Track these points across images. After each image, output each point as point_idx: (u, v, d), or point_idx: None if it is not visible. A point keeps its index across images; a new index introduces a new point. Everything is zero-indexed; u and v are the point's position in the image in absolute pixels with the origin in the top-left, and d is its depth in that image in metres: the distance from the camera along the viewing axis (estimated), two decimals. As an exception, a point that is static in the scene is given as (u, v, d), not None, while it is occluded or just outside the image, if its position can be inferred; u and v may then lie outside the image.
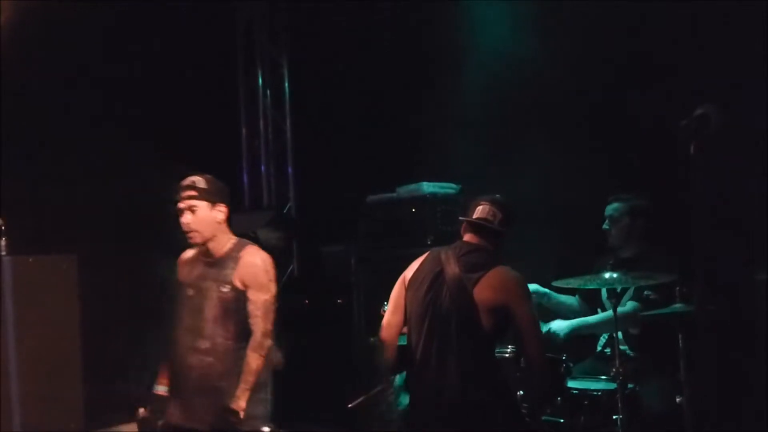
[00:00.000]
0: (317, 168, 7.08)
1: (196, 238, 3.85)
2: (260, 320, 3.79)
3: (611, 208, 4.75)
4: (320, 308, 6.70)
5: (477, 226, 3.84)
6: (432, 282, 3.75)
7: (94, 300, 5.16)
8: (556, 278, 4.31)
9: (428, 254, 3.90)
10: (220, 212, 3.87)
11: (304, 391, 6.09)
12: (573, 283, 4.25)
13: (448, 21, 6.18)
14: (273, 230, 6.16)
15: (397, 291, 3.93)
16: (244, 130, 7.50)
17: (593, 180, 5.21)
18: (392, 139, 6.46)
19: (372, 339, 5.68)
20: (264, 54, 7.50)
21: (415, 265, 3.92)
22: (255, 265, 3.83)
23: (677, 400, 3.98)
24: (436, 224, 5.70)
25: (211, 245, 3.89)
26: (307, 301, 6.79)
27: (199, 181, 3.86)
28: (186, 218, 3.84)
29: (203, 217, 3.84)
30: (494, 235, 3.82)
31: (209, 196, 3.84)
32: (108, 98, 6.05)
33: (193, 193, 3.84)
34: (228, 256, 3.87)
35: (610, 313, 4.32)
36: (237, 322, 3.82)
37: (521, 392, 4.06)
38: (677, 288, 4.00)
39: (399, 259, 4.06)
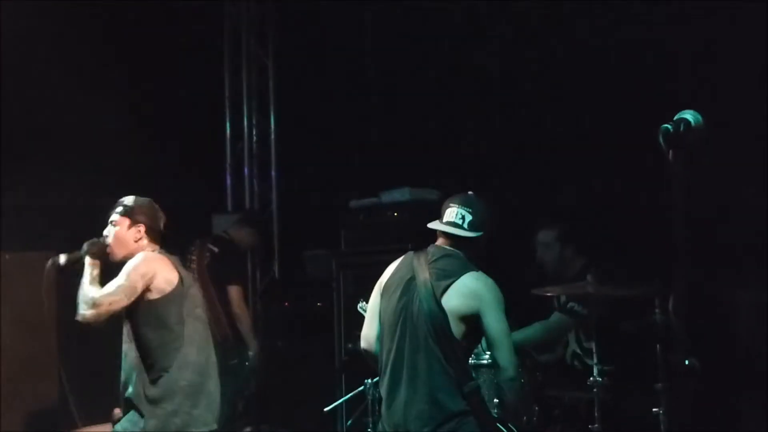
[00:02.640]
0: (301, 171, 7.06)
1: (112, 256, 3.97)
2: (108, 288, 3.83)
3: (542, 235, 4.81)
4: (301, 311, 6.69)
5: (446, 231, 3.71)
6: (404, 289, 3.68)
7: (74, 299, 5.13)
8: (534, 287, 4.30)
9: (402, 259, 3.83)
10: (138, 233, 3.96)
11: (282, 394, 6.08)
12: (552, 290, 4.26)
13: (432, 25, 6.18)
14: (241, 227, 6.13)
15: (374, 299, 3.88)
16: (228, 132, 7.46)
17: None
18: (376, 144, 6.46)
19: (350, 345, 5.71)
20: (251, 57, 7.47)
21: (390, 270, 3.85)
22: (130, 261, 3.89)
23: (653, 410, 3.99)
24: (417, 229, 5.69)
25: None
26: (287, 304, 6.78)
27: (127, 199, 4.03)
28: (107, 231, 3.99)
29: (120, 232, 3.97)
30: (465, 239, 3.69)
31: (131, 214, 3.97)
32: (93, 97, 6.00)
33: (119, 208, 4.01)
34: None
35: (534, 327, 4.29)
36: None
37: (496, 399, 4.05)
38: (656, 298, 4.00)
39: (380, 264, 4.00)
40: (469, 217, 3.68)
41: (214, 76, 7.35)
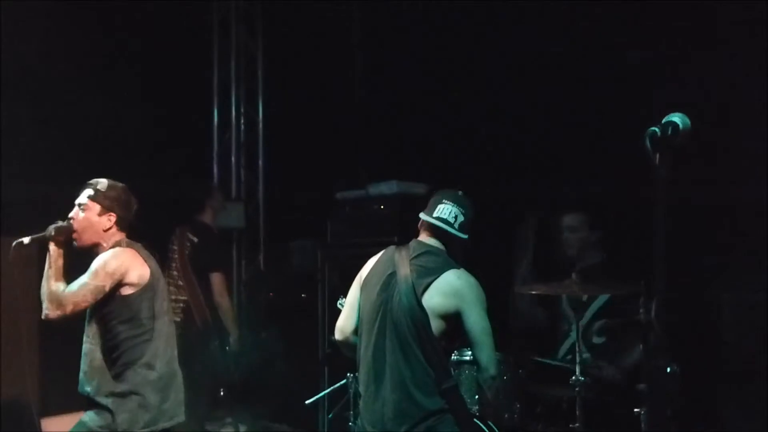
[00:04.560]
0: (288, 162, 7.03)
1: (77, 240, 3.81)
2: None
3: (569, 218, 4.74)
4: (285, 302, 6.66)
5: (434, 226, 3.68)
6: (384, 284, 3.64)
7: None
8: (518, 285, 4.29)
9: (383, 253, 3.78)
10: (108, 221, 3.82)
11: (264, 385, 6.06)
12: (536, 288, 4.24)
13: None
14: (207, 208, 6.11)
15: (353, 292, 3.85)
16: (216, 122, 7.42)
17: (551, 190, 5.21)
18: (365, 136, 6.43)
19: (333, 337, 5.69)
20: (239, 46, 7.44)
21: (370, 264, 3.81)
22: (99, 258, 3.76)
23: (635, 411, 3.98)
24: (404, 223, 5.67)
25: (95, 251, 3.83)
26: (271, 294, 6.76)
27: (101, 183, 3.86)
28: (74, 214, 3.83)
29: (89, 218, 3.81)
30: (451, 237, 3.66)
31: (102, 200, 3.82)
32: (78, 84, 5.95)
33: (90, 191, 3.84)
34: None
35: None
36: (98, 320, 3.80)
37: (477, 396, 4.03)
38: (641, 298, 3.99)
39: (365, 256, 3.95)
40: (461, 218, 3.67)
41: (202, 65, 7.30)
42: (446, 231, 3.65)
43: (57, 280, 3.72)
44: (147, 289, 3.80)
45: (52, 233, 3.78)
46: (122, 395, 3.71)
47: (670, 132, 2.24)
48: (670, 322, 2.20)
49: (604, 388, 4.29)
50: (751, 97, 4.28)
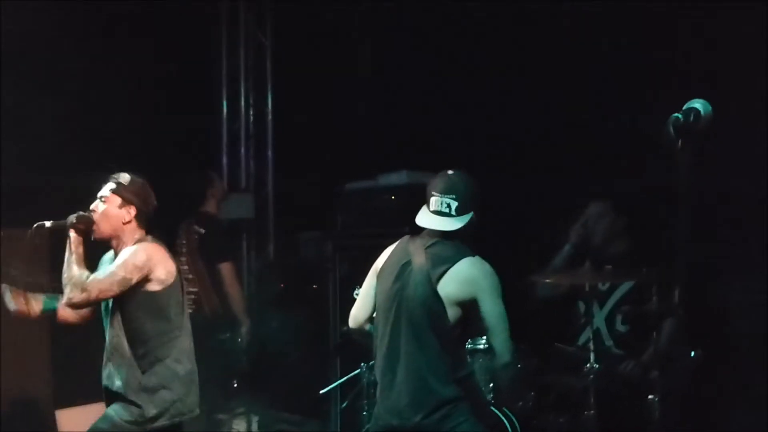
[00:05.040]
0: (297, 152, 7.02)
1: (96, 233, 3.84)
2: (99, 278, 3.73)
3: (595, 205, 4.73)
4: (296, 293, 6.68)
5: (436, 219, 3.66)
6: (399, 273, 3.66)
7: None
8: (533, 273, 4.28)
9: (398, 243, 3.80)
10: (128, 214, 3.85)
11: (276, 376, 6.08)
12: (552, 278, 4.24)
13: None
14: (208, 197, 6.11)
15: (368, 281, 3.86)
16: (225, 112, 7.40)
17: (571, 177, 5.19)
18: (375, 125, 6.42)
19: (344, 328, 5.71)
20: (248, 36, 7.42)
21: (385, 254, 3.83)
22: (127, 251, 3.79)
23: (649, 397, 3.98)
24: (414, 213, 5.66)
25: (115, 244, 3.89)
26: (282, 285, 6.77)
27: (123, 177, 3.90)
28: (95, 206, 3.87)
29: (109, 210, 3.85)
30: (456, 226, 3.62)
31: (124, 193, 3.86)
32: (87, 76, 5.94)
33: (111, 185, 3.89)
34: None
35: None
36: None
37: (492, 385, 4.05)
38: (655, 286, 3.97)
39: (376, 247, 3.97)
40: (454, 204, 3.64)
41: (211, 56, 7.29)
42: (445, 223, 3.63)
43: (80, 266, 3.74)
44: (174, 286, 3.84)
45: (74, 221, 3.81)
46: (152, 390, 3.76)
47: (692, 118, 2.25)
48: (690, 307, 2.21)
49: (618, 377, 4.29)
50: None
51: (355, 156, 6.46)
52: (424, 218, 3.70)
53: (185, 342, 3.88)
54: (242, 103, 7.44)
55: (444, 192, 3.65)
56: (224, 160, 7.40)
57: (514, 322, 3.61)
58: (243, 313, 5.91)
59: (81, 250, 3.78)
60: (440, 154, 5.82)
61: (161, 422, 3.77)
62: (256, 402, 6.03)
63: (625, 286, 4.56)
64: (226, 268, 5.83)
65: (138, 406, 3.75)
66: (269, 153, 7.45)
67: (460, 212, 3.64)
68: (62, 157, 5.63)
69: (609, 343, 4.51)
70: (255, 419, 5.99)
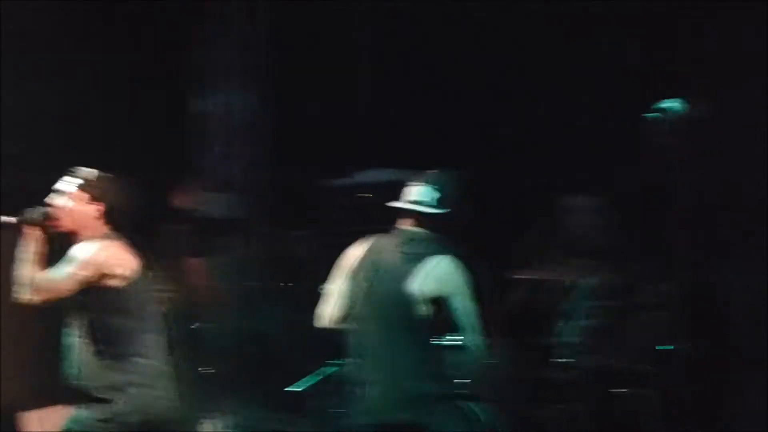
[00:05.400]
0: (275, 150, 7.01)
1: (56, 226, 3.76)
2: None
3: (578, 200, 4.78)
4: (273, 291, 6.67)
5: (412, 211, 3.70)
6: (373, 272, 3.69)
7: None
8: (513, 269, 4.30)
9: (368, 241, 3.82)
10: (96, 211, 3.78)
11: (252, 374, 6.07)
12: (532, 273, 4.27)
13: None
14: (189, 195, 6.10)
15: (338, 278, 3.89)
16: (206, 109, 7.34)
17: (554, 172, 5.21)
18: (354, 122, 6.44)
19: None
20: (238, 29, 7.37)
21: (353, 251, 3.85)
22: (82, 248, 3.72)
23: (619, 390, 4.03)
24: (393, 210, 5.67)
25: (75, 238, 3.79)
26: (259, 282, 6.76)
27: (90, 172, 3.83)
28: (57, 200, 3.78)
29: (76, 207, 3.77)
30: (432, 218, 3.68)
31: (91, 190, 3.79)
32: (60, 70, 5.91)
33: (78, 180, 3.81)
34: None
35: None
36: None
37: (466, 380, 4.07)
38: (635, 281, 4.02)
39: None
40: (437, 194, 3.68)
41: (184, 51, 7.25)
42: (422, 212, 3.67)
43: (35, 265, 3.67)
44: (137, 282, 3.78)
45: (33, 217, 3.74)
46: (120, 387, 3.70)
47: (669, 116, 2.32)
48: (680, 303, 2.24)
49: (592, 370, 4.33)
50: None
51: (333, 153, 6.47)
52: (401, 204, 3.74)
53: (152, 337, 3.81)
54: (224, 101, 7.39)
55: (425, 183, 3.72)
56: (204, 158, 7.34)
57: (488, 317, 3.64)
58: (214, 309, 5.90)
59: (37, 248, 3.72)
60: (422, 151, 5.85)
61: (134, 418, 3.71)
62: (231, 400, 6.02)
63: (592, 281, 4.58)
64: (198, 265, 5.86)
65: (108, 403, 3.69)
66: (246, 150, 7.42)
67: (439, 204, 3.67)
68: (35, 155, 5.59)
69: (576, 337, 4.53)
70: (229, 417, 5.97)
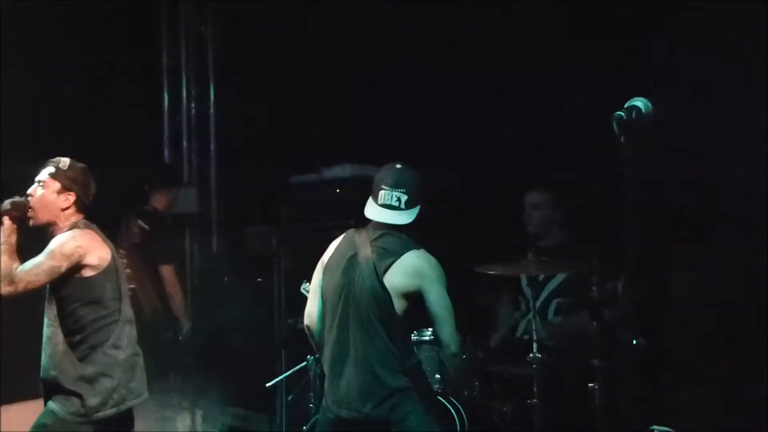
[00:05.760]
0: (240, 145, 6.98)
1: (32, 219, 3.77)
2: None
3: (533, 196, 4.83)
4: (240, 287, 6.66)
5: (385, 215, 3.71)
6: (346, 266, 3.70)
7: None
8: (475, 265, 4.34)
9: (344, 236, 3.84)
10: (66, 200, 3.78)
11: (221, 370, 6.06)
12: (495, 269, 4.31)
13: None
14: (158, 193, 6.02)
15: (316, 276, 3.89)
16: (166, 105, 7.33)
17: (512, 168, 5.25)
18: (319, 118, 6.42)
19: (290, 320, 5.72)
20: (188, 26, 7.35)
21: (332, 248, 3.86)
22: (57, 239, 3.74)
23: (590, 386, 4.07)
24: (359, 205, 5.69)
25: (50, 230, 3.81)
26: (226, 279, 6.75)
27: (62, 161, 3.82)
28: (32, 190, 3.79)
29: (47, 196, 3.78)
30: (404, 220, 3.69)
31: (62, 179, 3.78)
32: (26, 65, 5.83)
33: (51, 169, 3.81)
34: None
35: None
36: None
37: (438, 375, 4.11)
38: (593, 277, 4.07)
39: (321, 241, 4.02)
40: (404, 197, 3.70)
41: (150, 47, 7.20)
42: (392, 223, 3.69)
43: (10, 257, 3.66)
44: (108, 271, 3.78)
45: (8, 207, 3.73)
46: (91, 378, 3.70)
47: (633, 115, 2.38)
48: (636, 297, 2.30)
49: (559, 365, 4.39)
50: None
51: (298, 149, 6.46)
52: (374, 211, 3.75)
53: (124, 328, 3.81)
54: (183, 95, 7.37)
55: (394, 186, 3.71)
56: (166, 153, 7.33)
57: (458, 312, 3.68)
58: (184, 314, 5.88)
59: (13, 239, 3.71)
60: (384, 145, 5.85)
61: (106, 411, 3.71)
62: (202, 397, 6.01)
63: (559, 278, 4.67)
64: (167, 270, 5.78)
65: (78, 396, 3.68)
66: (212, 146, 7.40)
67: (408, 206, 3.71)
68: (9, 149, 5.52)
69: (542, 333, 4.60)
70: (200, 414, 5.96)
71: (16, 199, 3.76)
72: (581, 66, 4.96)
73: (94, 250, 3.75)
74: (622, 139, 2.34)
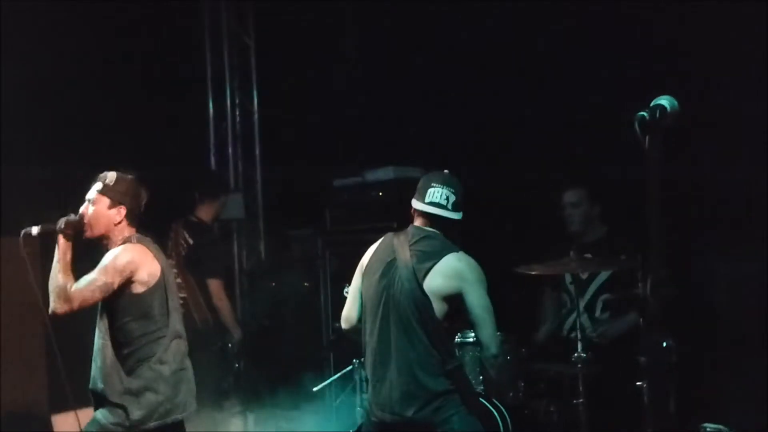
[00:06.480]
0: (285, 150, 7.05)
1: (87, 233, 3.82)
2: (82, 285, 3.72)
3: (570, 194, 4.80)
4: (287, 290, 6.72)
5: (429, 212, 3.72)
6: (385, 270, 3.70)
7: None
8: (517, 265, 4.32)
9: (383, 240, 3.84)
10: (119, 214, 3.83)
11: (270, 374, 6.13)
12: (537, 269, 4.29)
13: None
14: (204, 204, 5.99)
15: (356, 280, 3.91)
16: (211, 113, 7.42)
17: (548, 166, 5.24)
18: (360, 122, 6.45)
19: (338, 324, 5.75)
20: (231, 36, 7.44)
21: (370, 251, 3.87)
22: (110, 254, 3.78)
23: (637, 384, 4.03)
24: (401, 208, 5.71)
25: (105, 243, 3.86)
26: (274, 284, 6.81)
27: (109, 176, 3.86)
28: (84, 209, 3.85)
29: (99, 212, 3.82)
30: (447, 220, 3.71)
31: (112, 194, 3.83)
32: (73, 77, 5.95)
33: (99, 185, 3.86)
34: None
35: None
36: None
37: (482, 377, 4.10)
38: (639, 272, 4.03)
39: (365, 242, 4.02)
40: (453, 198, 3.70)
41: (195, 58, 7.31)
42: (440, 215, 3.70)
43: (65, 274, 3.72)
44: (158, 287, 3.82)
45: (62, 226, 3.79)
46: (136, 392, 3.75)
47: (658, 115, 2.30)
48: (667, 297, 2.27)
49: (606, 364, 4.34)
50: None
51: (342, 152, 6.50)
52: (421, 205, 3.74)
53: (171, 343, 3.84)
54: (228, 103, 7.46)
55: (443, 184, 3.72)
56: (212, 160, 7.43)
57: (501, 312, 3.67)
58: (233, 324, 5.88)
59: (68, 257, 3.77)
60: (426, 149, 5.88)
61: (150, 424, 3.75)
62: (252, 400, 6.07)
63: (604, 275, 4.63)
64: (214, 284, 5.76)
65: (123, 408, 3.73)
66: (257, 152, 7.49)
67: (455, 208, 3.72)
68: (52, 156, 5.62)
69: (590, 331, 4.57)
70: (251, 417, 6.03)
71: (71, 218, 3.82)
72: (612, 66, 4.95)
73: (145, 266, 3.79)
74: (646, 139, 2.27)
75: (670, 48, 4.67)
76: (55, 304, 3.70)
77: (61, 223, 3.80)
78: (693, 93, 3.76)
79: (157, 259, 3.87)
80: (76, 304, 3.68)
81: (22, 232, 3.83)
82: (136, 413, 3.74)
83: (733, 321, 4.52)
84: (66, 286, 3.69)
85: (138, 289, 3.78)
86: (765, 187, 4.29)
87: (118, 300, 3.77)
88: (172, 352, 3.84)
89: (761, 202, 4.36)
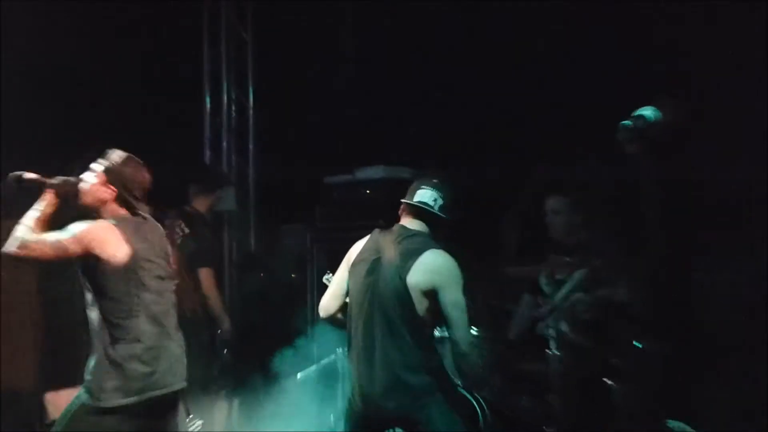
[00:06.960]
0: (278, 146, 7.14)
1: (79, 200, 3.87)
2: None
3: (552, 201, 4.90)
4: (276, 282, 6.83)
5: (416, 210, 3.82)
6: (371, 267, 3.79)
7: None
8: (497, 266, 4.44)
9: (370, 237, 3.93)
10: (108, 194, 3.86)
11: (255, 362, 6.24)
12: (515, 270, 4.42)
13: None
14: (200, 197, 6.04)
15: (340, 273, 3.99)
16: (207, 107, 7.53)
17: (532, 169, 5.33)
18: (353, 121, 6.55)
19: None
20: (229, 31, 7.54)
21: (358, 246, 3.95)
22: (79, 224, 3.76)
23: (606, 382, 4.16)
24: (390, 207, 5.84)
25: (95, 217, 3.87)
26: (262, 275, 6.92)
27: (115, 156, 3.90)
28: (85, 175, 3.89)
29: (92, 186, 3.87)
30: (434, 221, 3.81)
31: (108, 173, 3.87)
32: (68, 70, 6.03)
33: (104, 161, 3.89)
34: None
35: None
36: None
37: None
38: (613, 273, 4.15)
39: (353, 239, 4.12)
40: (440, 201, 3.82)
41: (191, 50, 7.37)
42: (427, 212, 3.80)
43: (35, 225, 3.73)
44: (124, 268, 3.77)
45: (57, 182, 3.85)
46: (115, 363, 3.72)
47: (641, 125, 2.41)
48: (654, 302, 2.36)
49: (579, 362, 4.47)
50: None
51: (333, 150, 6.61)
52: (411, 202, 3.85)
53: (144, 322, 3.80)
54: (224, 97, 7.55)
55: (433, 187, 3.84)
56: (207, 154, 7.52)
57: (477, 309, 3.78)
58: (223, 315, 5.93)
59: (48, 211, 3.79)
60: (416, 149, 6.00)
61: (123, 400, 3.71)
62: (237, 385, 6.17)
63: (579, 275, 4.75)
64: (205, 273, 5.81)
65: (97, 382, 3.72)
66: (250, 146, 7.60)
67: (442, 211, 3.83)
68: (47, 149, 5.69)
69: (566, 329, 4.70)
70: (236, 401, 6.13)
71: (69, 178, 3.88)
72: (602, 67, 5.02)
73: (108, 245, 3.73)
74: (630, 147, 2.37)
75: (670, 48, 4.70)
76: (9, 245, 3.66)
77: (58, 179, 3.86)
78: (693, 93, 3.81)
79: (130, 243, 3.80)
80: (27, 253, 3.64)
81: (11, 174, 3.85)
82: (107, 388, 3.70)
83: (733, 322, 4.57)
84: (28, 233, 3.69)
85: (102, 267, 3.74)
86: (765, 187, 4.31)
87: (91, 277, 3.76)
88: (146, 331, 3.79)
89: (761, 202, 4.38)
